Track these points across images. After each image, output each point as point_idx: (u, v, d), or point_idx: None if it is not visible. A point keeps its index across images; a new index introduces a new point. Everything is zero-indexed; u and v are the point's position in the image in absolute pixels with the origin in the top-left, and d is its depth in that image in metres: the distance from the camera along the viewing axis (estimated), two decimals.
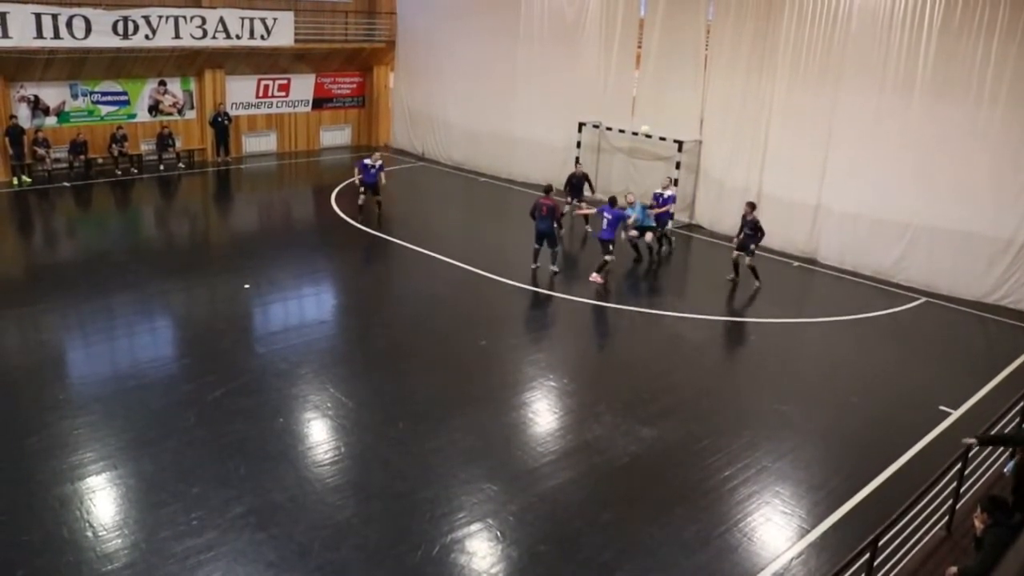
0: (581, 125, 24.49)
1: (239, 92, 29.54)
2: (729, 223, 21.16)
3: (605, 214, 17.73)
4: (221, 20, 27.12)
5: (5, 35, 23.17)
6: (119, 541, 8.81)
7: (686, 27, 22.46)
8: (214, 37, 27.11)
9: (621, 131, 23.61)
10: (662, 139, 22.49)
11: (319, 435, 11.36)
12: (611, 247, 17.65)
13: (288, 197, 26.30)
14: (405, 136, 32.16)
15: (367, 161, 21.90)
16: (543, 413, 12.19)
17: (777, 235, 19.97)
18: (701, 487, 10.44)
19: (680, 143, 22.10)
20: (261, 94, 30.22)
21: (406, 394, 12.52)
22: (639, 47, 23.91)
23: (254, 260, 18.29)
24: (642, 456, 11.04)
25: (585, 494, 10.15)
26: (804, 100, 20.17)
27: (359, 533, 9.16)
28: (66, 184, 24.37)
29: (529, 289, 17.30)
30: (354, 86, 32.65)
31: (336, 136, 32.72)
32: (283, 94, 30.77)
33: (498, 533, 9.23)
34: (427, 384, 12.87)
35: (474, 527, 9.21)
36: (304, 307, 16.17)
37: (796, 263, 20.24)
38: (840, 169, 19.69)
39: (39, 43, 23.87)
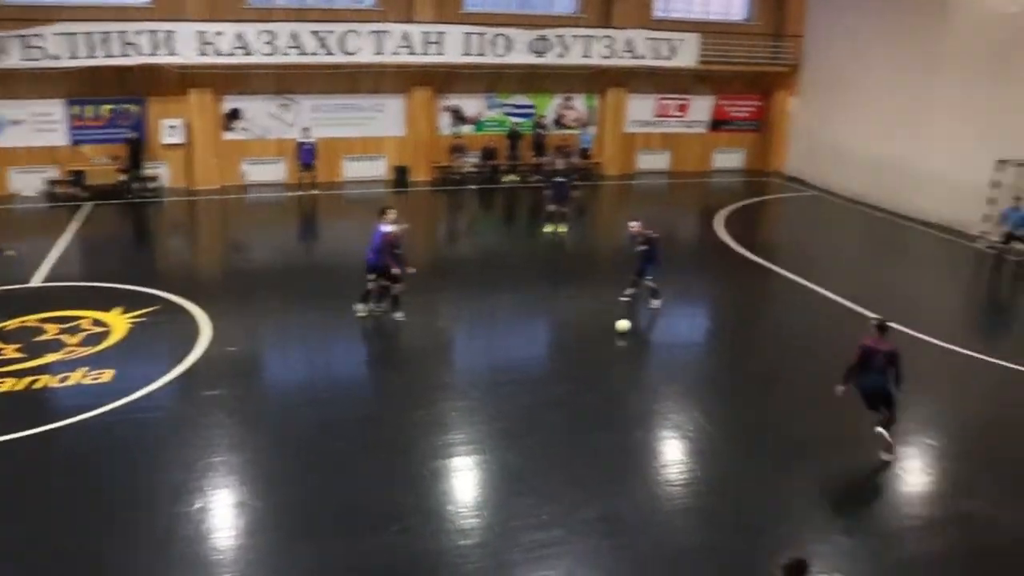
0: (1001, 162, 21.92)
1: (638, 110, 30.43)
2: None
3: None
4: (629, 41, 28.15)
5: (439, 52, 26.22)
6: (475, 521, 9.42)
7: None
8: (620, 57, 28.23)
9: None
10: None
11: (675, 455, 11.26)
12: None
13: (675, 216, 26.44)
14: (800, 163, 31.01)
15: (384, 227, 15.02)
16: (914, 472, 11.02)
17: None
18: None
19: None
20: (659, 113, 30.87)
21: (771, 427, 12.00)
22: None
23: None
24: None
25: (950, 572, 9.03)
26: None
27: (699, 561, 8.92)
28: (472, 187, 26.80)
29: (920, 337, 15.74)
30: (752, 109, 32.20)
31: (729, 159, 32.51)
32: (681, 114, 31.17)
33: None
34: (793, 421, 12.23)
35: None
36: (678, 326, 16.15)
37: None
38: None
39: (466, 59, 26.59)
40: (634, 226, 16.07)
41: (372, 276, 15.15)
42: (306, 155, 25.77)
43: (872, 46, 26.86)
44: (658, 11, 29.96)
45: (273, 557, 8.76)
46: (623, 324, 15.18)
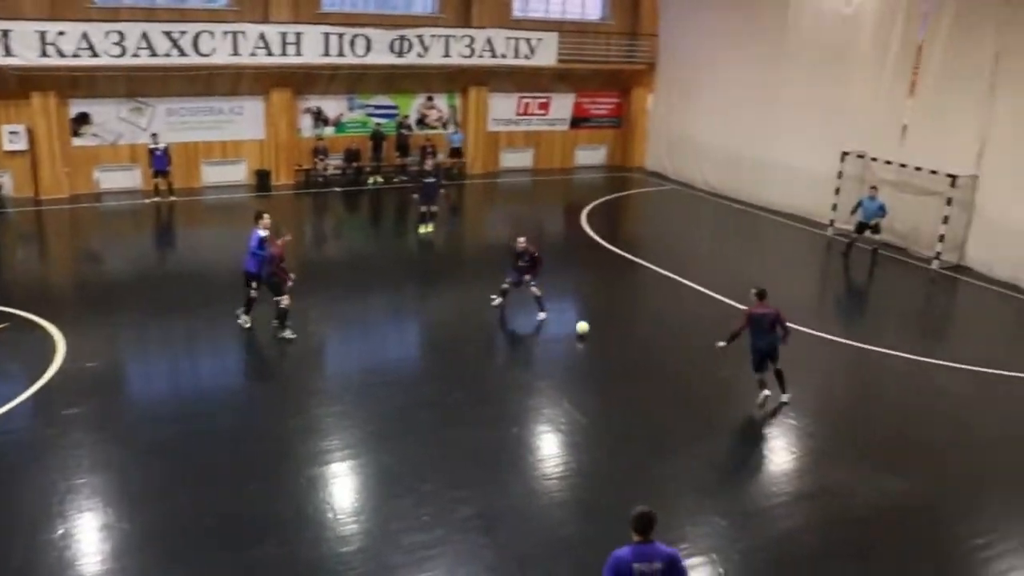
0: (844, 154, 23.27)
1: (500, 109, 30.71)
2: (1005, 268, 19.46)
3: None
4: (488, 40, 28.39)
5: (297, 53, 25.78)
6: (355, 526, 9.39)
7: (972, 51, 20.69)
8: (480, 56, 28.44)
9: (888, 162, 22.19)
10: (933, 172, 20.92)
11: (550, 449, 11.50)
12: None
13: (540, 213, 26.84)
14: (659, 158, 31.99)
15: (261, 232, 14.40)
16: (780, 451, 11.66)
17: None
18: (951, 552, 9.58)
19: (953, 177, 20.46)
20: (521, 111, 31.24)
21: (643, 415, 12.40)
22: (915, 72, 22.38)
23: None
24: (885, 509, 10.26)
25: (817, 543, 9.57)
26: None
27: (578, 552, 9.11)
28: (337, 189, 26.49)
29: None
30: (612, 107, 32.98)
31: (591, 156, 33.19)
32: (542, 112, 31.64)
33: (721, 571, 8.90)
34: (663, 409, 12.67)
35: (696, 560, 8.90)
36: (547, 322, 16.35)
37: None
38: None
39: (325, 60, 26.26)
40: (521, 242, 16.19)
41: (253, 284, 14.72)
42: (158, 162, 24.72)
43: (722, 44, 27.91)
44: (517, 11, 30.31)
45: None
46: (583, 326, 15.37)
